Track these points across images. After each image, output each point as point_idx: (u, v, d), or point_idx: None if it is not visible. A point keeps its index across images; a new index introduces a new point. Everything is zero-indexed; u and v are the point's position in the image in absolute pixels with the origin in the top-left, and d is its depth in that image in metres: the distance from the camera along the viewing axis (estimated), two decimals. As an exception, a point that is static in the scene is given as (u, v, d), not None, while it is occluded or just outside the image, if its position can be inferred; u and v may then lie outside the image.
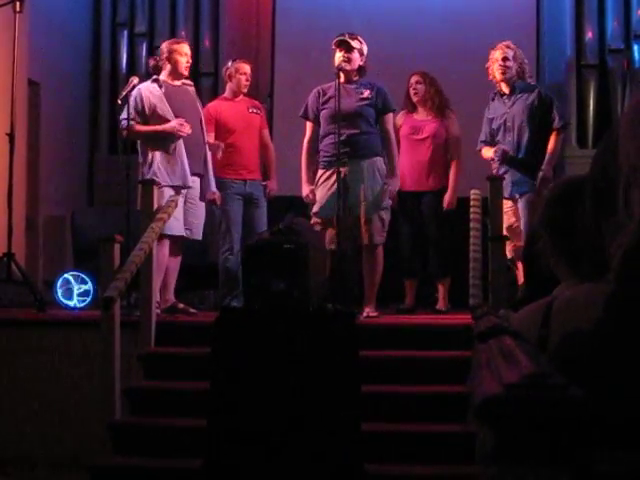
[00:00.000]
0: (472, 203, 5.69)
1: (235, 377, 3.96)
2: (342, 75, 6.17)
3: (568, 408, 0.99)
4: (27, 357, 5.64)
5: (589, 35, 8.22)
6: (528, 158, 6.06)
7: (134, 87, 6.27)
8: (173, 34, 8.61)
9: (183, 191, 6.15)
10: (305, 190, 6.31)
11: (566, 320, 1.51)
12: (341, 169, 6.00)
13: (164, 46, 6.46)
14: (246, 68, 6.74)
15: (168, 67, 6.33)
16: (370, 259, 6.23)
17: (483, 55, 6.26)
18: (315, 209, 6.22)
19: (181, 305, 6.21)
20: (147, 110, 6.19)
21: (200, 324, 5.62)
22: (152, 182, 5.85)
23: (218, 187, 6.46)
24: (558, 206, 1.73)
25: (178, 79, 6.36)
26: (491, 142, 6.22)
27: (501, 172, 6.05)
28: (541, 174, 5.99)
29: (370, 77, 6.37)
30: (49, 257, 8.01)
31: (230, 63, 6.80)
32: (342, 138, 6.04)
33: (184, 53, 6.37)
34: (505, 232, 5.63)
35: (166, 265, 6.11)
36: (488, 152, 6.17)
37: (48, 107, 8.06)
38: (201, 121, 6.35)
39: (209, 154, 6.39)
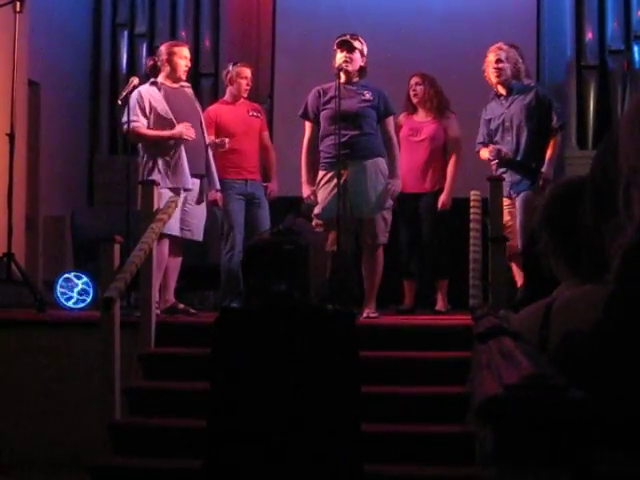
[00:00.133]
0: (472, 204, 5.69)
1: (235, 377, 3.96)
2: (342, 76, 6.17)
3: (568, 409, 0.99)
4: (27, 357, 5.64)
5: (589, 36, 8.22)
6: (527, 158, 6.06)
7: (134, 87, 6.26)
8: (173, 35, 8.62)
9: (183, 193, 6.15)
10: (306, 191, 6.31)
11: (566, 321, 1.51)
12: (342, 171, 6.01)
13: (163, 48, 6.44)
14: (247, 72, 6.71)
15: (167, 69, 6.31)
16: (370, 260, 6.24)
17: (483, 56, 6.25)
18: (317, 211, 6.23)
19: (181, 305, 6.21)
20: (149, 113, 6.18)
21: (200, 324, 5.62)
22: (152, 183, 5.84)
23: (220, 188, 6.47)
24: (558, 207, 1.73)
25: (176, 82, 6.35)
26: (489, 143, 6.22)
27: (500, 172, 6.06)
28: (542, 176, 5.98)
29: (370, 78, 6.37)
30: (49, 257, 8.01)
31: (231, 67, 6.76)
32: (344, 139, 6.05)
33: (184, 56, 6.35)
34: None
35: (166, 265, 6.11)
36: (485, 153, 6.18)
37: (48, 107, 8.06)
38: (201, 122, 6.34)
39: (211, 154, 6.39)
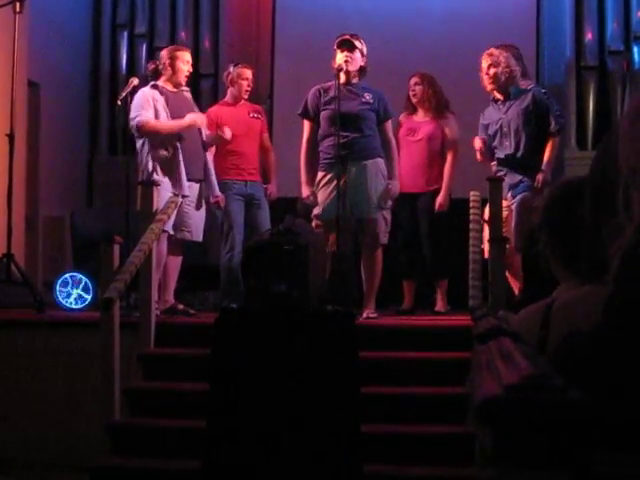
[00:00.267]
0: (472, 204, 5.69)
1: (234, 378, 3.96)
2: (342, 76, 6.17)
3: (567, 410, 0.99)
4: (26, 358, 5.64)
5: (589, 36, 8.22)
6: (526, 162, 6.04)
7: (134, 88, 6.26)
8: (173, 35, 8.62)
9: (180, 198, 6.14)
10: (305, 191, 6.31)
11: (565, 321, 1.51)
12: (342, 173, 6.01)
13: (165, 51, 6.44)
14: (248, 73, 6.70)
15: (168, 73, 6.30)
16: (369, 260, 6.24)
17: (483, 56, 6.25)
18: (317, 211, 6.23)
19: (181, 306, 6.21)
20: (152, 113, 6.18)
21: (200, 325, 5.62)
22: (152, 183, 5.84)
23: (220, 189, 6.47)
24: (557, 208, 1.73)
25: (177, 87, 6.34)
26: (487, 147, 6.22)
27: (499, 174, 6.05)
28: (540, 179, 5.96)
29: (370, 78, 6.37)
30: (49, 257, 8.01)
31: (232, 68, 6.74)
32: (343, 140, 6.05)
33: (186, 61, 6.34)
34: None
35: (166, 265, 6.12)
36: (477, 142, 6.17)
37: (48, 108, 8.06)
38: (200, 128, 6.34)
39: (209, 159, 6.39)
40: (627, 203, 1.30)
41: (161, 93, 6.23)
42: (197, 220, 6.31)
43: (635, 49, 8.11)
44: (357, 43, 6.21)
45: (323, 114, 6.24)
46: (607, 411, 1.18)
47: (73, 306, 6.62)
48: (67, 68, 8.47)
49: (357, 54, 6.22)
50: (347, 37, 6.21)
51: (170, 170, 6.11)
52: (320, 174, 6.25)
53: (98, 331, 5.08)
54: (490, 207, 5.55)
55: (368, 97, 6.24)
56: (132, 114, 6.14)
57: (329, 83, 6.25)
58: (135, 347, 5.38)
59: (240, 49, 8.56)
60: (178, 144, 6.13)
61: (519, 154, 6.05)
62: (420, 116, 6.70)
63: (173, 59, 6.30)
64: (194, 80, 7.63)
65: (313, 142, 6.32)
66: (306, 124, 6.38)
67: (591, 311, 1.38)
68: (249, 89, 6.73)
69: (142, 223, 5.61)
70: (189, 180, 6.17)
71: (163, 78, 6.31)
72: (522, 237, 5.60)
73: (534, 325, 1.58)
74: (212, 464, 3.94)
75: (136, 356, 5.37)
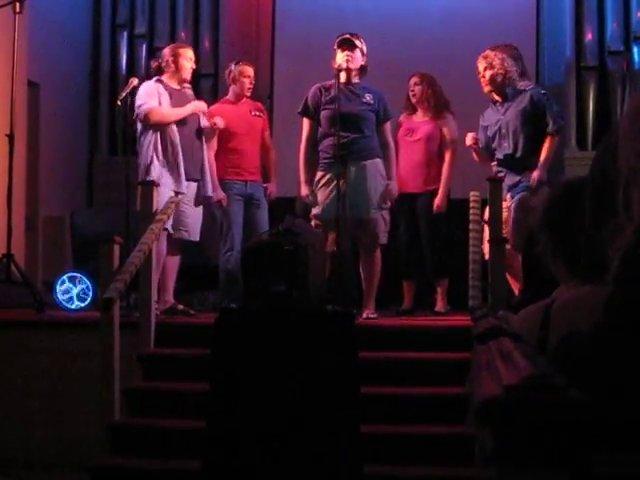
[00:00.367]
0: (471, 204, 5.69)
1: (234, 378, 3.96)
2: (343, 76, 6.17)
3: (567, 410, 0.99)
4: (26, 358, 5.64)
5: (589, 37, 8.22)
6: (524, 163, 6.04)
7: (134, 88, 6.27)
8: (173, 35, 8.62)
9: (179, 196, 6.15)
10: (304, 191, 6.31)
11: (565, 322, 1.51)
12: (342, 173, 6.01)
13: (168, 49, 6.45)
14: (250, 71, 6.70)
15: (171, 70, 6.31)
16: (368, 260, 6.24)
17: (482, 56, 6.25)
18: (316, 211, 6.23)
19: (181, 306, 6.21)
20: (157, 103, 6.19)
21: (200, 325, 5.62)
22: (152, 183, 5.85)
23: (222, 189, 6.48)
24: (557, 208, 1.73)
25: (180, 83, 6.36)
26: (487, 149, 6.22)
27: (499, 175, 6.05)
28: (535, 177, 5.94)
29: (370, 79, 6.37)
30: (49, 257, 8.01)
31: (233, 66, 6.74)
32: (343, 141, 6.05)
33: (189, 58, 6.36)
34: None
35: (165, 265, 6.11)
36: (468, 140, 6.18)
37: (48, 108, 8.06)
38: (199, 126, 6.34)
39: (206, 159, 6.39)
40: (627, 203, 1.30)
41: (165, 88, 6.25)
42: (194, 219, 6.31)
43: (635, 49, 8.11)
44: (357, 42, 6.22)
45: (323, 114, 6.24)
46: (607, 411, 1.18)
47: (73, 306, 6.62)
48: (67, 68, 8.47)
49: (358, 53, 6.22)
50: (347, 36, 6.21)
51: (171, 167, 6.11)
52: (319, 174, 6.25)
53: (98, 331, 5.08)
54: (490, 208, 5.54)
55: (369, 98, 6.24)
56: (138, 102, 6.14)
57: (330, 82, 6.25)
58: (135, 347, 5.38)
59: (240, 49, 8.56)
60: (178, 141, 6.14)
61: (517, 155, 6.05)
62: (419, 116, 6.71)
63: (176, 56, 6.31)
64: (194, 80, 7.62)
65: (313, 141, 6.32)
66: (306, 122, 6.38)
67: (591, 311, 1.38)
68: (251, 86, 6.72)
69: (142, 223, 5.61)
70: (186, 179, 6.18)
71: (166, 75, 6.32)
72: (520, 237, 5.60)
73: (534, 325, 1.58)
74: (212, 464, 3.94)
75: (136, 356, 5.37)
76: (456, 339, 5.11)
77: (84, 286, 6.65)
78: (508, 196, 5.99)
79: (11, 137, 6.44)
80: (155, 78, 6.32)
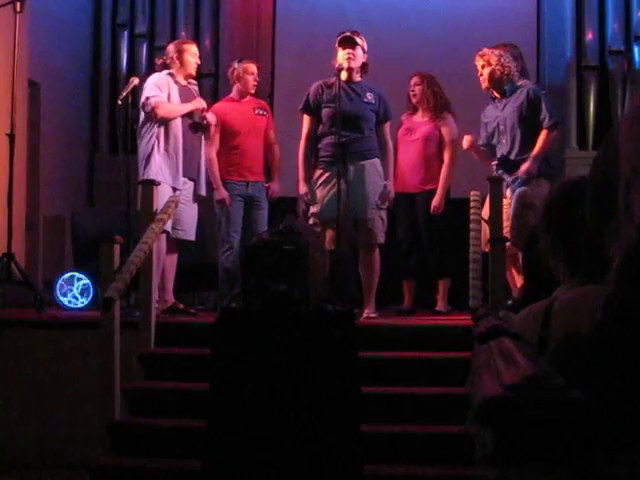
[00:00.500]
0: (472, 204, 5.69)
1: (234, 378, 3.96)
2: (344, 74, 6.17)
3: (568, 409, 0.99)
4: (27, 357, 5.64)
5: (589, 36, 8.22)
6: (521, 158, 6.03)
7: (134, 87, 6.27)
8: (173, 35, 8.62)
9: (176, 192, 6.15)
10: (302, 188, 6.30)
11: (566, 321, 1.51)
12: (342, 172, 6.01)
13: (172, 46, 6.45)
14: (253, 68, 6.70)
15: (177, 65, 6.30)
16: (367, 260, 6.24)
17: (483, 56, 6.24)
18: (315, 210, 6.22)
19: (181, 306, 6.21)
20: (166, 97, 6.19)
21: (200, 325, 5.62)
22: (152, 182, 5.84)
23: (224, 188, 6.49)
24: (558, 207, 1.73)
25: (185, 79, 6.36)
26: (488, 145, 6.22)
27: (499, 172, 6.05)
28: (523, 169, 5.91)
29: (370, 78, 6.37)
30: (49, 257, 8.01)
31: (236, 64, 6.73)
32: (343, 140, 6.05)
33: (193, 53, 6.37)
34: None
35: (163, 265, 6.11)
36: (466, 142, 6.19)
37: (48, 107, 8.06)
38: (194, 122, 6.34)
39: (203, 159, 6.39)
40: (628, 203, 1.30)
41: (175, 83, 6.25)
42: (190, 219, 6.31)
43: (635, 49, 8.11)
44: (358, 40, 6.21)
45: (324, 112, 6.24)
46: (607, 411, 1.18)
47: (73, 306, 6.62)
48: (67, 68, 8.47)
49: (359, 51, 6.22)
50: (348, 34, 6.21)
51: (170, 160, 6.11)
52: (318, 172, 6.24)
53: (98, 331, 5.08)
54: (490, 207, 5.54)
55: (370, 97, 6.24)
56: (147, 93, 6.12)
57: (332, 79, 6.22)
58: (135, 347, 5.38)
59: (240, 48, 8.55)
60: (181, 135, 6.14)
61: (515, 151, 6.05)
62: (419, 116, 6.71)
63: (180, 52, 6.31)
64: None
65: (313, 138, 6.30)
66: (306, 119, 6.36)
67: (591, 311, 1.38)
68: (255, 83, 6.71)
69: (142, 223, 5.61)
70: (183, 176, 6.18)
71: (172, 71, 6.31)
72: (519, 232, 5.61)
73: (535, 325, 1.58)
74: (212, 464, 3.94)
75: (136, 356, 5.37)
76: (456, 339, 5.11)
77: (84, 286, 6.65)
78: (508, 192, 5.99)
79: (12, 137, 6.44)
80: (166, 72, 6.30)
